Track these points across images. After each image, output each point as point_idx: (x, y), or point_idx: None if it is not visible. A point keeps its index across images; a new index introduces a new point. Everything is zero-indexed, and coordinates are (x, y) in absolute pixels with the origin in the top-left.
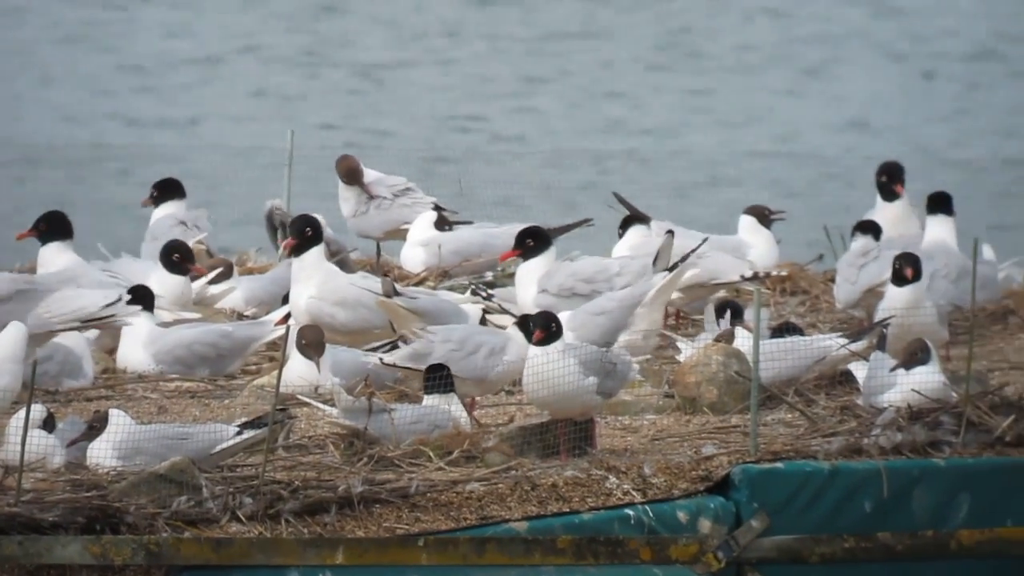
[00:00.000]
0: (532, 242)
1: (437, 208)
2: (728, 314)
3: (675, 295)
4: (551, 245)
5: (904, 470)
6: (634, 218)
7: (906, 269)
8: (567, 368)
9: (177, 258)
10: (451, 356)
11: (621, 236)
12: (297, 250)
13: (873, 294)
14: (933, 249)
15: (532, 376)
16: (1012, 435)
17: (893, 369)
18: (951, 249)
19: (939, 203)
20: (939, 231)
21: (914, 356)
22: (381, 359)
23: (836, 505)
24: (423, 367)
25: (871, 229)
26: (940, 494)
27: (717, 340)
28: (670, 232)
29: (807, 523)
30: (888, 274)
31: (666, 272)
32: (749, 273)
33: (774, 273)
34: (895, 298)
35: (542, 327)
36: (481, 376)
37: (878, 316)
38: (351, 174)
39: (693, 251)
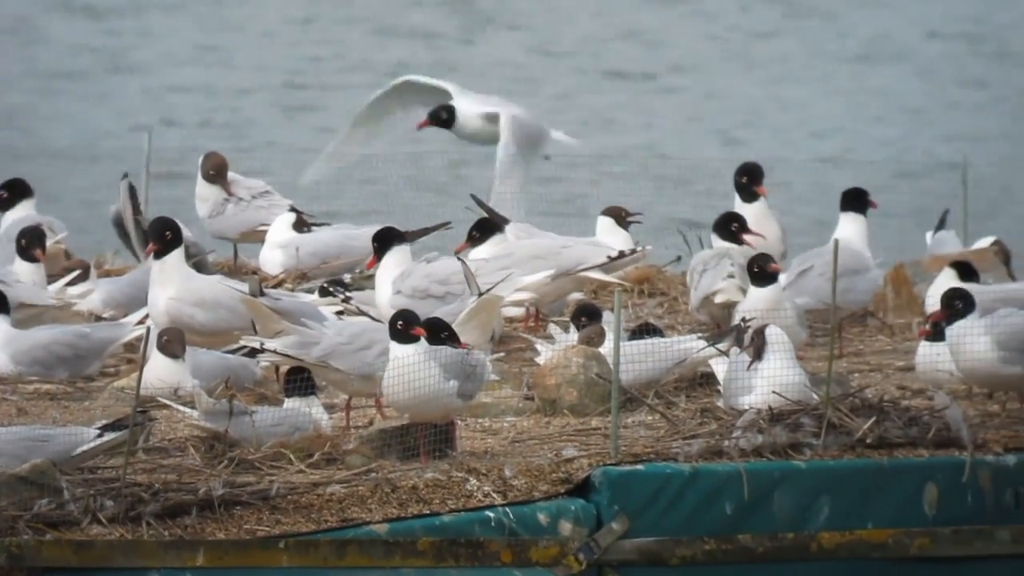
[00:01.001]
0: (378, 244)
1: (294, 210)
2: (583, 319)
3: (539, 293)
4: (403, 243)
5: (765, 472)
6: (489, 221)
7: (769, 266)
8: (428, 371)
9: (25, 243)
10: (340, 349)
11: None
12: (159, 253)
13: (709, 301)
14: (827, 248)
15: (393, 379)
16: (873, 437)
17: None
18: (849, 249)
19: (851, 200)
20: (847, 229)
21: (725, 332)
22: (263, 343)
23: (697, 507)
24: (306, 357)
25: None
26: (801, 496)
27: (586, 341)
28: (461, 260)
29: (668, 525)
30: (720, 283)
31: (476, 297)
32: (615, 253)
33: (639, 250)
34: (755, 299)
35: (416, 324)
36: (368, 373)
37: (737, 317)
38: (219, 169)
39: (497, 284)
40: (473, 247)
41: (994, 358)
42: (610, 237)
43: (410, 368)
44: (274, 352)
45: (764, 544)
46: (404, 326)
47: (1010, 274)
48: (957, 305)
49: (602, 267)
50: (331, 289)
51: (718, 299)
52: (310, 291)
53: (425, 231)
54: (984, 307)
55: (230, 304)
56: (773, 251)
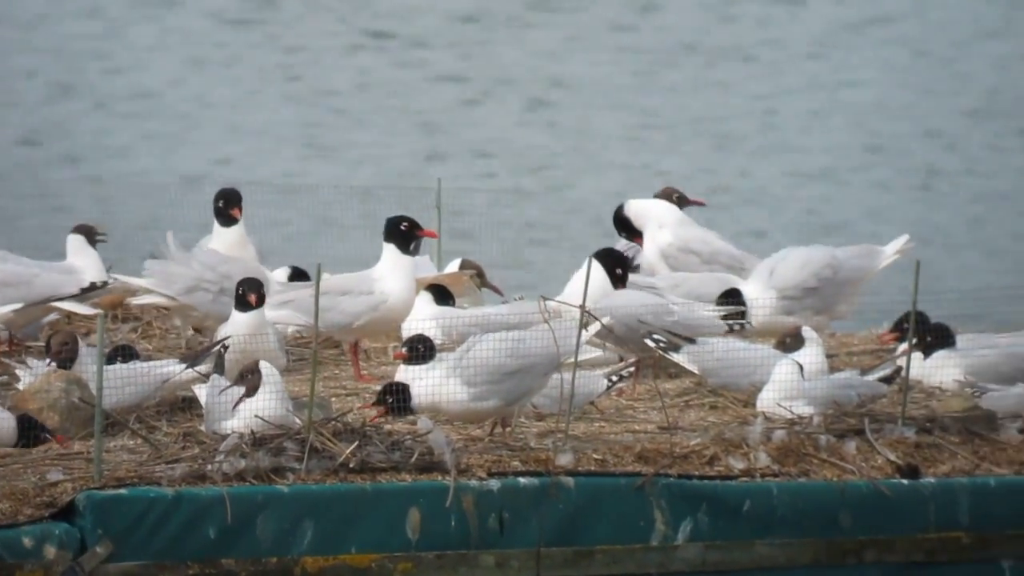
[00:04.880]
0: None
1: None
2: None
3: (7, 321)
4: None
5: (248, 496)
6: None
7: (249, 295)
8: None
9: None
10: None
11: None
12: None
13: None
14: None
15: None
16: (356, 462)
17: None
18: (352, 273)
19: (387, 231)
20: (384, 257)
21: (245, 378)
22: None
23: (181, 531)
24: None
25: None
26: (284, 520)
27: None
28: None
29: (152, 549)
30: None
31: None
32: (86, 285)
33: (111, 282)
34: (238, 323)
35: None
36: None
37: (217, 340)
38: None
39: None
40: None
41: (464, 396)
42: (80, 257)
43: None
44: None
45: (247, 568)
46: None
47: (491, 287)
48: (419, 350)
49: (74, 298)
50: None
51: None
52: None
53: None
54: (462, 332)
55: None
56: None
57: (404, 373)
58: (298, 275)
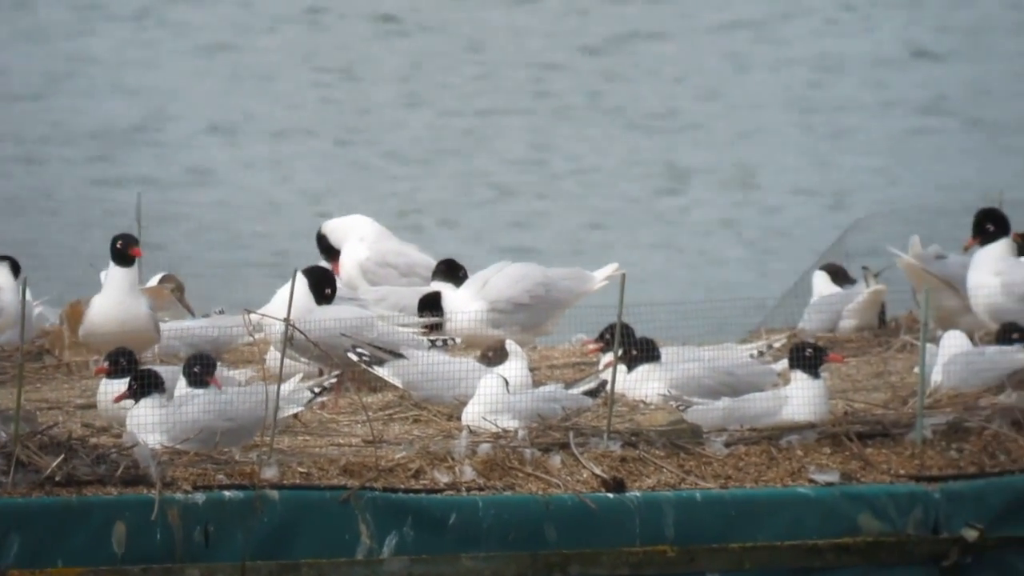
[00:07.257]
0: None
1: None
2: None
3: None
4: None
5: None
6: None
7: None
8: None
9: None
10: None
11: None
12: None
13: None
14: None
15: None
16: (62, 475)
17: None
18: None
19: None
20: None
21: None
22: None
23: None
24: None
25: None
26: None
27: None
28: None
29: None
30: None
31: None
32: None
33: None
34: None
35: None
36: None
37: None
38: None
39: None
40: None
41: (169, 443)
42: None
43: None
44: None
45: None
46: None
47: (185, 305)
48: (120, 363)
49: None
50: None
51: None
52: None
53: None
54: (163, 346)
55: None
56: None
57: (104, 386)
58: None
